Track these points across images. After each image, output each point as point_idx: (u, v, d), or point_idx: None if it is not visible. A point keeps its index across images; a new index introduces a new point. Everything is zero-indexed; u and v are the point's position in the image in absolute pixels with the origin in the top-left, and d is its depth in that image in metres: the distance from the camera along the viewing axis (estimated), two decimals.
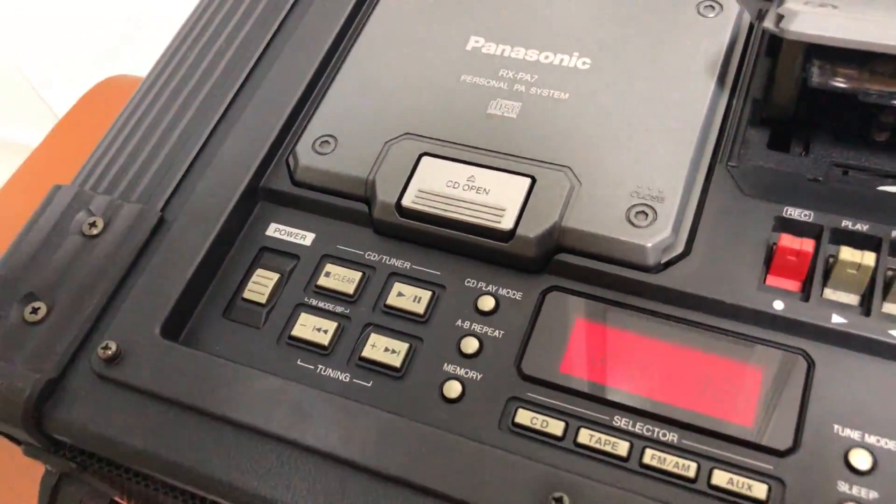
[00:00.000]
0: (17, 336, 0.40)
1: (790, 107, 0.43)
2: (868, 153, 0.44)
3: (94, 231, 0.42)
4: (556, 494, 0.31)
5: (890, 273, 0.36)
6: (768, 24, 0.37)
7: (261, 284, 0.41)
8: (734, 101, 0.43)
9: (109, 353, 0.38)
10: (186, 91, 0.48)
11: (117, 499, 0.44)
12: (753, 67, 0.44)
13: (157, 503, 0.39)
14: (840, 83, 0.38)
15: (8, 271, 0.42)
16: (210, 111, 0.47)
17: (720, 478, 0.33)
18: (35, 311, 0.40)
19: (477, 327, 0.39)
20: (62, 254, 0.42)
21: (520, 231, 0.39)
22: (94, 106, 0.81)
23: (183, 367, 0.38)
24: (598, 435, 0.35)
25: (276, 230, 0.43)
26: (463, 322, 0.39)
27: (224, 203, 0.43)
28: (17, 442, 0.41)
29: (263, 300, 0.41)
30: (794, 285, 0.37)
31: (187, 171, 0.45)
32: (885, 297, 0.36)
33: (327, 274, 0.41)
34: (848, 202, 0.39)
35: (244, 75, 0.47)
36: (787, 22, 0.36)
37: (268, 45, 0.49)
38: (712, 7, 0.45)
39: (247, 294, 0.41)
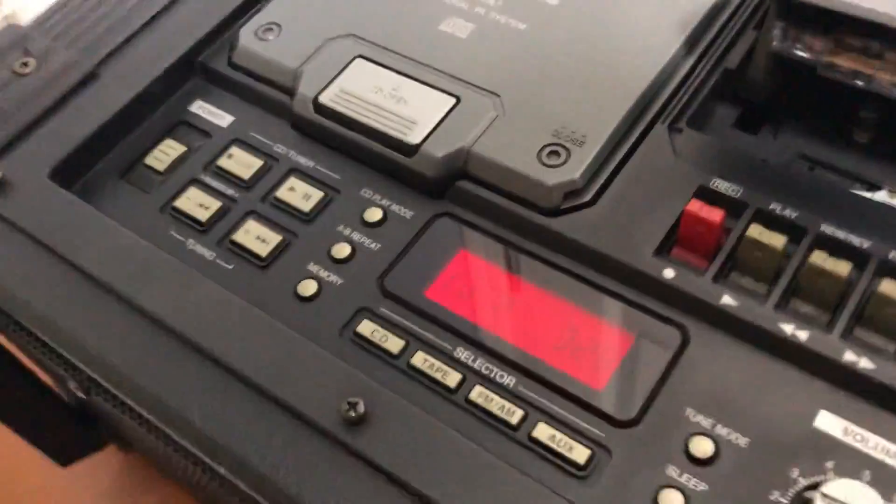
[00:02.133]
0: None
1: (763, 84, 0.39)
2: (844, 154, 0.40)
3: (25, 70, 0.42)
4: (352, 399, 0.29)
5: (806, 269, 0.32)
6: None
7: (165, 153, 0.40)
8: (699, 66, 0.39)
9: None
10: None
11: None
12: (735, 37, 0.40)
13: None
14: (800, 52, 0.34)
15: None
16: None
17: (543, 431, 0.30)
18: None
19: (355, 235, 0.36)
20: None
21: (425, 147, 0.37)
22: None
23: (55, 211, 0.37)
24: (432, 360, 0.32)
25: (199, 107, 0.42)
26: (344, 228, 0.37)
27: (154, 68, 0.42)
28: None
29: (162, 168, 0.40)
30: (700, 262, 0.34)
31: (135, 33, 0.44)
32: (792, 292, 0.32)
33: (230, 156, 0.40)
34: (788, 188, 0.34)
35: None
36: None
37: None
38: None
39: (148, 160, 0.40)
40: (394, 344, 0.33)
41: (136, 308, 0.34)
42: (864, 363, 0.29)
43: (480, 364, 0.32)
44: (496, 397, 0.31)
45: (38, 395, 0.51)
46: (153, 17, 0.45)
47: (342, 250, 0.36)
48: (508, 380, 0.31)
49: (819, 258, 0.31)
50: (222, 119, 0.42)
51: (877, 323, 0.31)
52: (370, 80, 0.40)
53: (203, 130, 0.41)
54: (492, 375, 0.32)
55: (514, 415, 0.30)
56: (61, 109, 0.41)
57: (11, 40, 0.44)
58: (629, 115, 0.37)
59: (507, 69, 0.39)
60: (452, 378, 0.31)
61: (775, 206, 0.34)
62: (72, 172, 0.40)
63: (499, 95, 0.38)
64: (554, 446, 0.29)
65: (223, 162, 0.40)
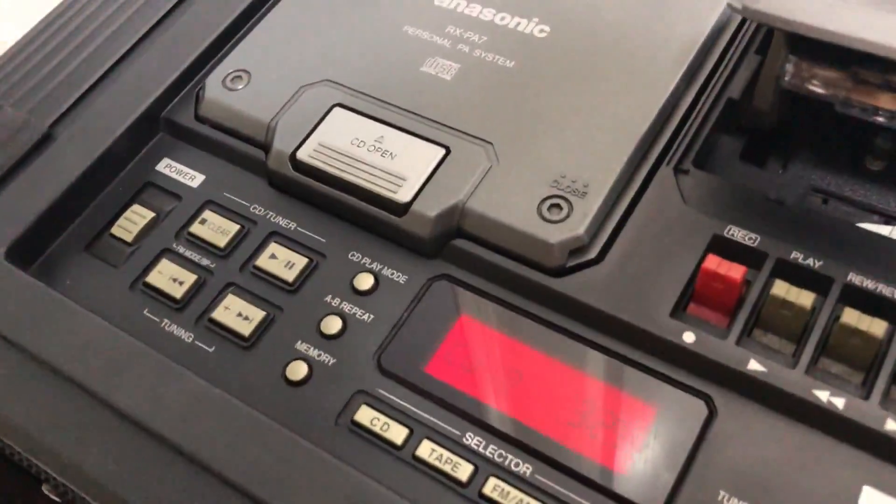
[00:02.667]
0: None
1: (771, 114, 0.37)
2: (856, 182, 0.38)
3: None
4: None
5: (838, 328, 0.29)
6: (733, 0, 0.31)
7: (132, 222, 0.37)
8: (702, 99, 0.37)
9: None
10: (105, 14, 0.43)
11: None
12: (736, 64, 0.38)
13: None
14: (816, 88, 0.32)
15: None
16: (126, 35, 0.42)
17: None
18: None
19: (346, 306, 0.34)
20: None
21: (416, 206, 0.34)
22: None
23: (14, 297, 0.34)
24: (440, 451, 0.29)
25: (166, 166, 0.39)
26: (333, 298, 0.34)
27: (115, 126, 0.39)
28: None
29: (130, 238, 0.37)
30: (719, 319, 0.31)
31: (89, 90, 0.41)
32: (822, 351, 0.30)
33: (203, 221, 0.37)
34: (807, 232, 0.32)
35: (172, 2, 0.43)
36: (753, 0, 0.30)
37: None
38: None
39: (115, 230, 0.37)
40: (396, 433, 0.30)
41: (109, 406, 0.31)
42: None
43: (492, 451, 0.29)
44: (512, 490, 0.28)
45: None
46: (108, 71, 0.41)
47: (332, 324, 0.33)
48: (524, 468, 0.29)
49: (852, 317, 0.28)
50: (192, 179, 0.38)
51: None
52: (350, 131, 0.37)
53: (172, 193, 0.38)
54: (505, 464, 0.29)
55: None
56: (14, 179, 0.38)
57: None
58: (632, 159, 0.34)
59: (498, 113, 0.36)
60: (464, 470, 0.29)
61: (797, 255, 0.31)
62: (31, 250, 0.36)
63: (491, 143, 0.35)
64: None
65: (196, 228, 0.36)
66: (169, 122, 0.40)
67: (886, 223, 0.36)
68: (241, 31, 0.42)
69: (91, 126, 0.39)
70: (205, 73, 0.41)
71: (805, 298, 0.29)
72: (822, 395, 0.28)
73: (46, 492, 0.33)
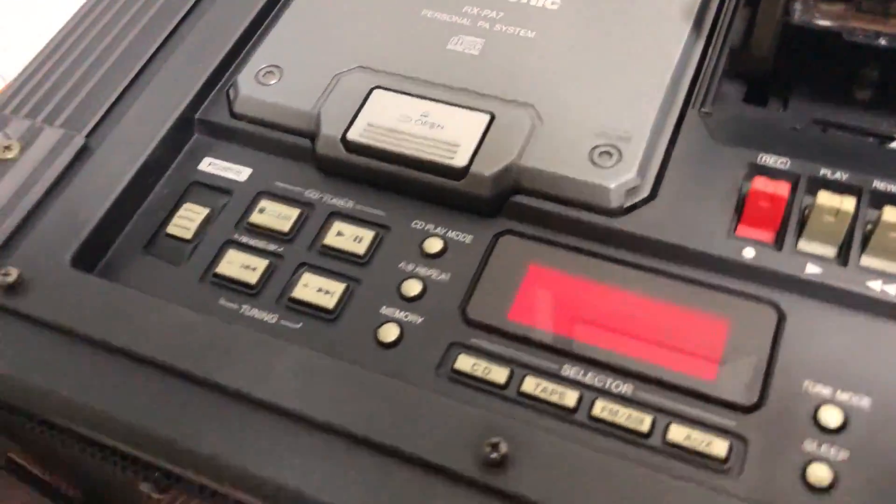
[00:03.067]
0: None
1: (768, 58, 0.41)
2: (849, 111, 0.42)
3: (9, 155, 0.39)
4: (493, 440, 0.28)
5: (869, 225, 0.33)
6: None
7: (187, 219, 0.38)
8: (710, 50, 0.40)
9: (10, 280, 0.34)
10: (126, 17, 0.44)
11: (13, 455, 0.40)
12: (733, 15, 0.42)
13: (55, 452, 0.35)
14: (824, 21, 0.35)
15: None
16: (150, 38, 0.43)
17: (677, 433, 0.29)
18: None
19: (421, 270, 0.35)
20: None
21: (474, 168, 0.36)
22: None
23: (92, 299, 0.34)
24: (544, 384, 0.31)
25: (209, 164, 0.40)
26: (406, 265, 0.35)
27: (154, 131, 0.39)
28: None
29: (189, 236, 0.37)
30: (766, 236, 0.34)
31: (119, 97, 0.41)
32: (863, 249, 0.33)
33: (261, 210, 0.38)
34: (828, 152, 0.36)
35: (190, 3, 0.44)
36: None
37: None
38: None
39: (171, 229, 0.38)
40: (498, 374, 0.32)
41: (218, 388, 0.31)
42: None
43: (592, 377, 0.31)
44: (620, 408, 0.30)
45: None
46: (135, 77, 0.42)
47: (412, 287, 0.34)
48: (625, 388, 0.31)
49: (891, 215, 0.32)
50: (239, 173, 0.39)
51: None
52: (395, 109, 0.38)
53: (221, 189, 0.39)
54: (607, 387, 0.31)
55: (643, 422, 0.30)
56: (61, 192, 0.38)
57: None
58: (663, 106, 0.37)
59: (531, 78, 0.39)
60: (570, 397, 0.31)
61: (826, 172, 0.35)
62: (92, 256, 0.36)
63: (532, 105, 0.38)
64: (692, 446, 0.29)
65: (256, 218, 0.37)
66: (204, 122, 0.41)
67: (883, 143, 0.40)
68: (263, 27, 0.43)
69: (128, 134, 0.40)
70: (232, 71, 0.42)
71: (848, 203, 0.33)
72: (875, 286, 0.32)
73: (145, 490, 0.34)
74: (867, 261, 0.33)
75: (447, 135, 0.37)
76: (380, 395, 0.30)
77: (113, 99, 0.41)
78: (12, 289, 0.34)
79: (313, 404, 0.30)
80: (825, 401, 0.30)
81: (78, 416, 0.33)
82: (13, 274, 0.34)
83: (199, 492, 0.32)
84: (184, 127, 0.40)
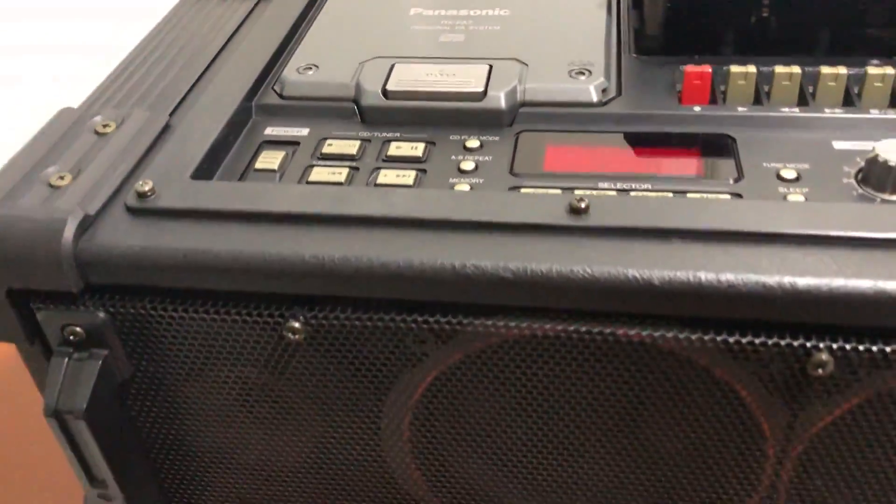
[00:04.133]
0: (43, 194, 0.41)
1: (660, 35, 0.58)
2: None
3: (108, 130, 0.46)
4: (578, 196, 0.38)
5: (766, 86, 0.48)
6: None
7: (270, 159, 0.47)
8: (622, 29, 0.57)
9: (146, 188, 0.41)
10: (192, 30, 0.55)
11: None
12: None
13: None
14: None
15: (24, 159, 0.44)
16: (213, 44, 0.54)
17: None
18: (61, 178, 0.42)
19: (469, 157, 0.46)
20: (78, 146, 0.45)
21: (489, 91, 0.48)
22: None
23: (219, 190, 0.42)
24: (585, 192, 0.42)
25: (273, 130, 0.49)
26: (457, 157, 0.46)
27: (222, 113, 0.48)
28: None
29: (275, 166, 0.46)
30: (702, 101, 0.49)
31: (192, 87, 0.51)
32: (769, 98, 0.48)
33: (329, 145, 0.47)
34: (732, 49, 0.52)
35: (243, 17, 0.56)
36: None
37: None
38: None
39: (258, 164, 0.46)
40: (553, 193, 0.42)
41: (354, 219, 0.39)
42: None
43: (623, 184, 0.43)
44: (647, 193, 0.41)
45: None
46: (204, 71, 0.52)
47: (468, 165, 0.45)
48: (642, 185, 0.42)
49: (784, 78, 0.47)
50: (300, 131, 0.49)
51: None
52: (416, 72, 0.51)
53: (289, 142, 0.48)
54: (628, 188, 0.42)
55: (668, 195, 0.41)
56: (150, 161, 0.45)
57: (80, 117, 0.47)
58: (607, 51, 0.53)
59: (508, 45, 0.53)
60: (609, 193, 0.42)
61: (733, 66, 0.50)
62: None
63: (515, 58, 0.52)
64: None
65: (327, 149, 0.47)
66: (261, 106, 0.51)
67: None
68: (298, 34, 0.56)
69: (201, 115, 0.49)
70: (276, 70, 0.53)
71: (751, 68, 0.48)
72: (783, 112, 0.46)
73: (288, 333, 0.39)
74: (773, 101, 0.48)
75: (461, 78, 0.50)
76: (475, 196, 0.40)
77: (188, 88, 0.50)
78: (147, 196, 0.41)
79: (428, 211, 0.39)
80: (784, 168, 0.43)
81: (216, 267, 0.39)
82: (149, 184, 0.41)
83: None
84: (244, 112, 0.50)
